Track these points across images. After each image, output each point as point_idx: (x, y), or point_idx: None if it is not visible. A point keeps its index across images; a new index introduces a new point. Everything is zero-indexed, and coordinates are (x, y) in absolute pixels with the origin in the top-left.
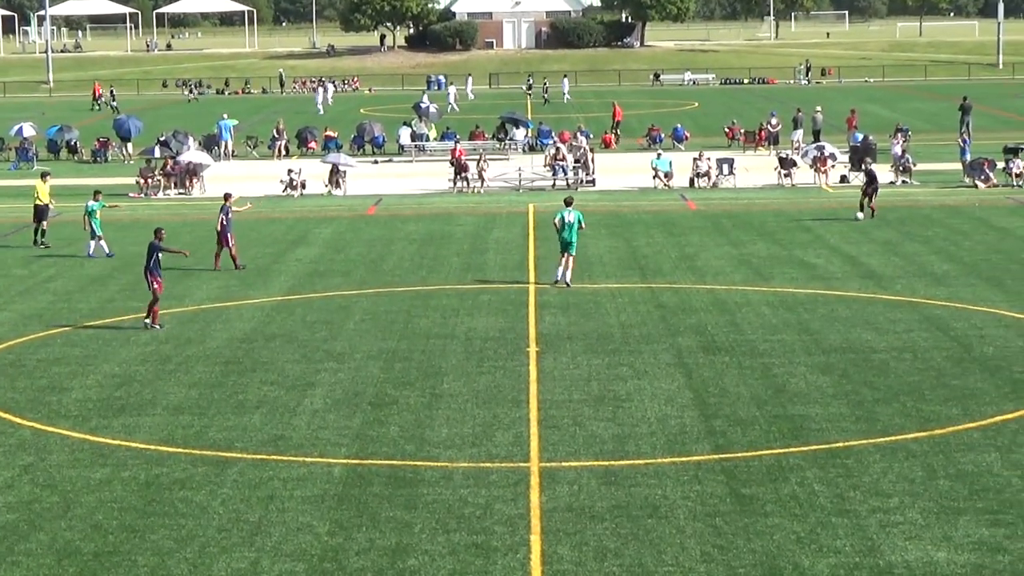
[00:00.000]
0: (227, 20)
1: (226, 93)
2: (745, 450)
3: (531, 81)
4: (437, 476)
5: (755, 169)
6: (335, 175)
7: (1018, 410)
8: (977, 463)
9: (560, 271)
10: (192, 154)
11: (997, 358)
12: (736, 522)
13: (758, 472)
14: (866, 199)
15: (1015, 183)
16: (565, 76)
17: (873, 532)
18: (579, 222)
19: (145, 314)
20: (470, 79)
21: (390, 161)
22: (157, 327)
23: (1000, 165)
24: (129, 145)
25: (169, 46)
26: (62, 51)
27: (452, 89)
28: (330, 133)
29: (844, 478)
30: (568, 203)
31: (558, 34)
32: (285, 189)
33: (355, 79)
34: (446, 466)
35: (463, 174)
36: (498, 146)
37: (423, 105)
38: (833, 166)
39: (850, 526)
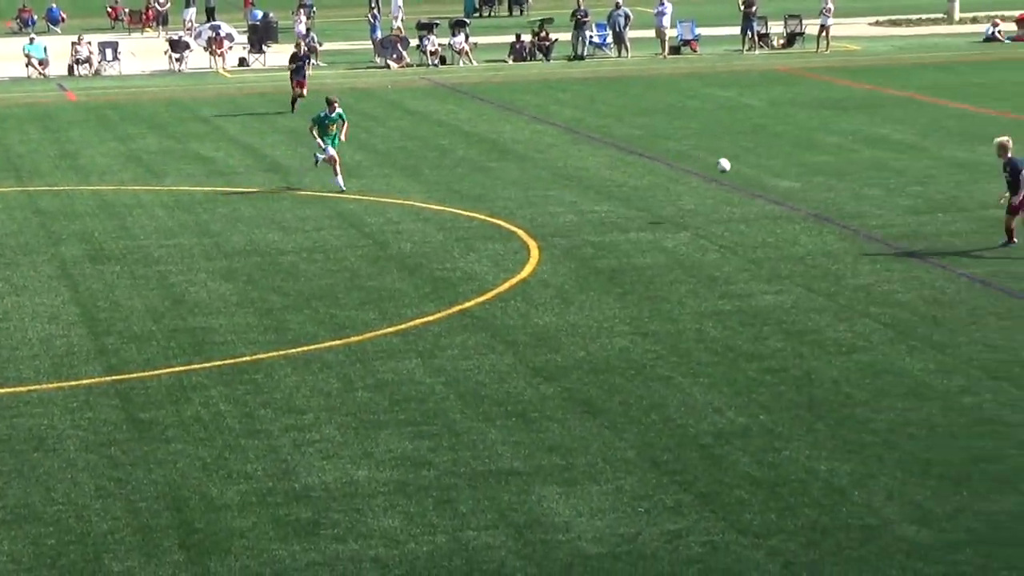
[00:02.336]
0: None
1: None
2: (142, 370)
3: None
4: None
5: (143, 53)
6: None
7: (439, 311)
8: (397, 371)
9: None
10: None
11: (415, 255)
12: (134, 451)
13: (157, 393)
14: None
15: (430, 62)
16: None
17: (287, 453)
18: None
19: None
20: None
21: None
22: None
23: (414, 43)
24: None
25: None
26: None
27: None
28: None
29: (253, 395)
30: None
31: None
32: None
33: None
34: None
35: None
36: None
37: None
38: (230, 48)
39: (262, 448)
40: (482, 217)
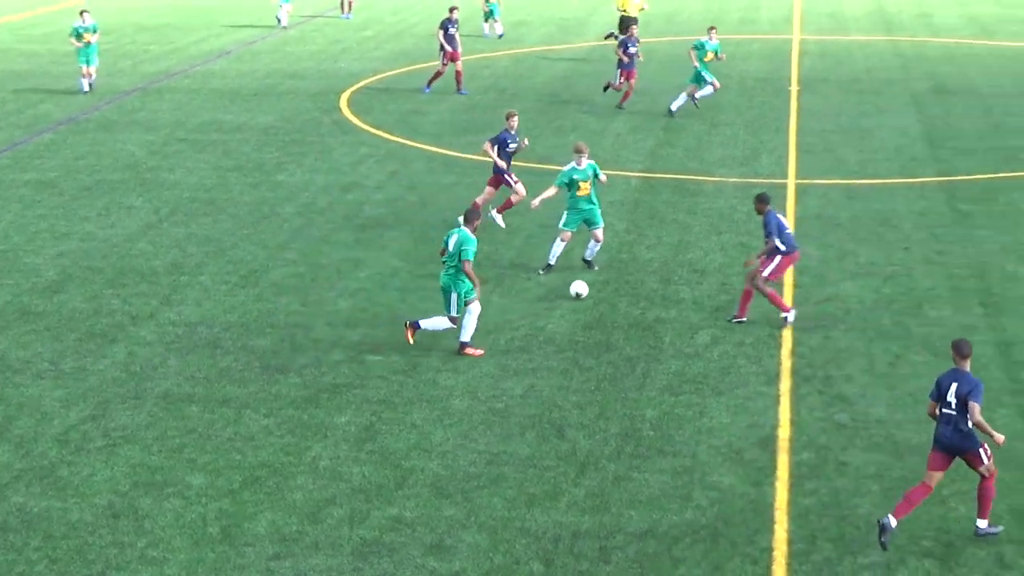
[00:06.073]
0: None
1: None
2: (963, 174)
3: None
4: (712, 189)
5: None
6: None
7: None
8: None
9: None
10: None
11: None
12: (953, 232)
13: (974, 192)
14: None
15: None
16: None
17: None
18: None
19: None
20: None
21: None
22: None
23: None
24: None
25: None
26: None
27: None
28: None
29: None
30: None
31: None
32: None
33: None
34: (720, 180)
35: None
36: None
37: None
38: None
39: None
40: None
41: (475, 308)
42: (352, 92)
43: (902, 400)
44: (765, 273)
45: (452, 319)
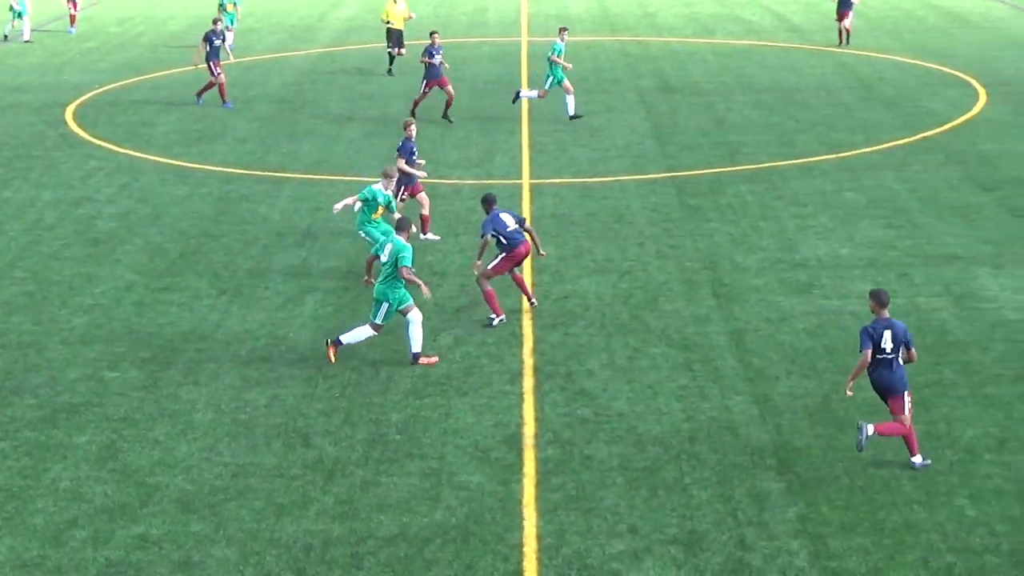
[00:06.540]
0: None
1: None
2: (690, 169)
3: None
4: (449, 191)
5: None
6: None
7: (909, 136)
8: (875, 179)
9: None
10: None
11: (894, 96)
12: (684, 226)
13: (701, 186)
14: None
15: None
16: None
17: (792, 233)
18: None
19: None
20: None
21: None
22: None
23: None
24: None
25: None
26: None
27: None
28: None
29: (769, 191)
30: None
31: None
32: None
33: None
34: (456, 183)
35: None
36: None
37: None
38: None
39: (774, 229)
40: (945, 69)
41: (415, 316)
42: (78, 105)
43: (642, 392)
44: (488, 267)
45: (375, 327)
